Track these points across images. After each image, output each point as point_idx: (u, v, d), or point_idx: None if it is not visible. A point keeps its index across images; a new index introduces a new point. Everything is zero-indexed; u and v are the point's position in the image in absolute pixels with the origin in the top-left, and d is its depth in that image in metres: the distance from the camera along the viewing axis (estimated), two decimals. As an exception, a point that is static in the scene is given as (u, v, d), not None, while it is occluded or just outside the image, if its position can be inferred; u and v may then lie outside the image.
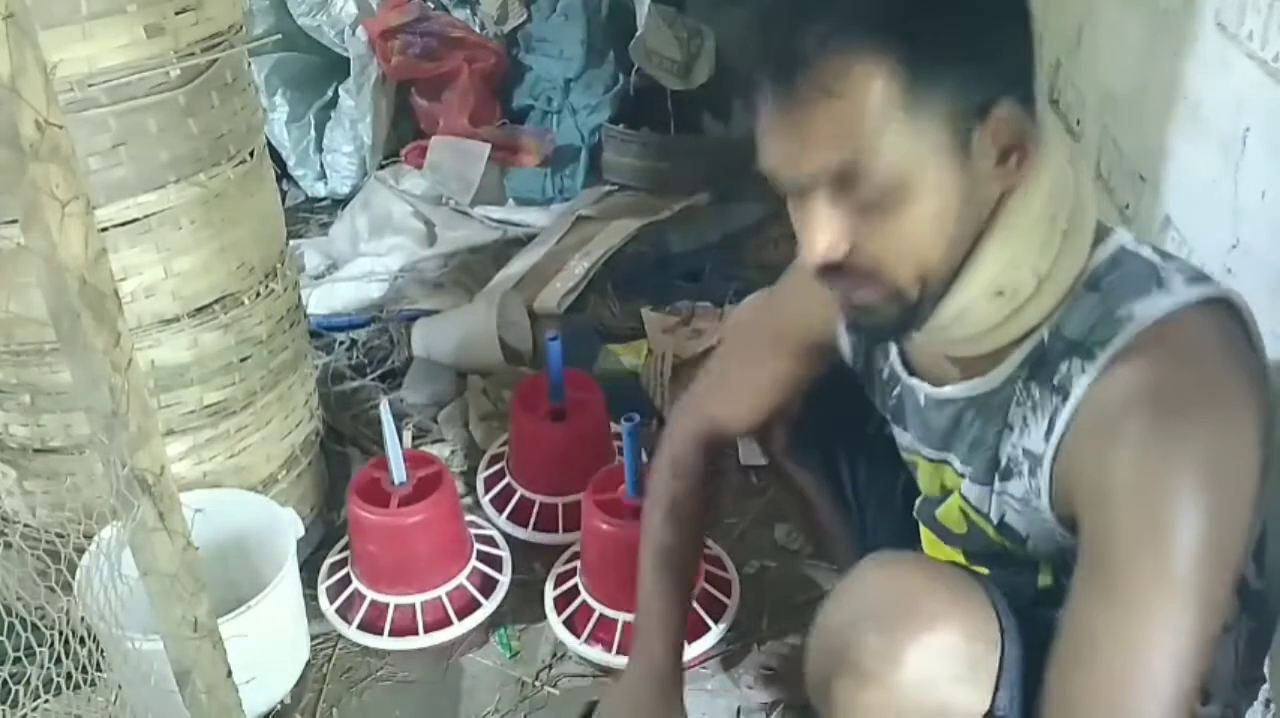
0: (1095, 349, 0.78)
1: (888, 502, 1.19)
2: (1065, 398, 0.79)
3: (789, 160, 0.76)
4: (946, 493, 0.98)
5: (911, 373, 0.96)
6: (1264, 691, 0.97)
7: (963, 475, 0.93)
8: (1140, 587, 0.72)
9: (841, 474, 1.25)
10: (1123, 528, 0.74)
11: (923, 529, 1.07)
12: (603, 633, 1.44)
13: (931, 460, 0.98)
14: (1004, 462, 0.87)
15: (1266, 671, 0.95)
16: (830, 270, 0.79)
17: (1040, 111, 0.79)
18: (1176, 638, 0.72)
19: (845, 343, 1.06)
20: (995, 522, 0.91)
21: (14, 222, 0.76)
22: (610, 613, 1.43)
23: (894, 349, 0.98)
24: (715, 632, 1.44)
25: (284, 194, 2.67)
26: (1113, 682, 0.72)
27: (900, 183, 0.74)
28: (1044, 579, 0.95)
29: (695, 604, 1.43)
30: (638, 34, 2.69)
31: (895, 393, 1.01)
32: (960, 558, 1.02)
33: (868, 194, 0.75)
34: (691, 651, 1.42)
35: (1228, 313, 0.79)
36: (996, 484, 0.89)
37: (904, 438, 1.02)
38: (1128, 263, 0.81)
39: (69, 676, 1.06)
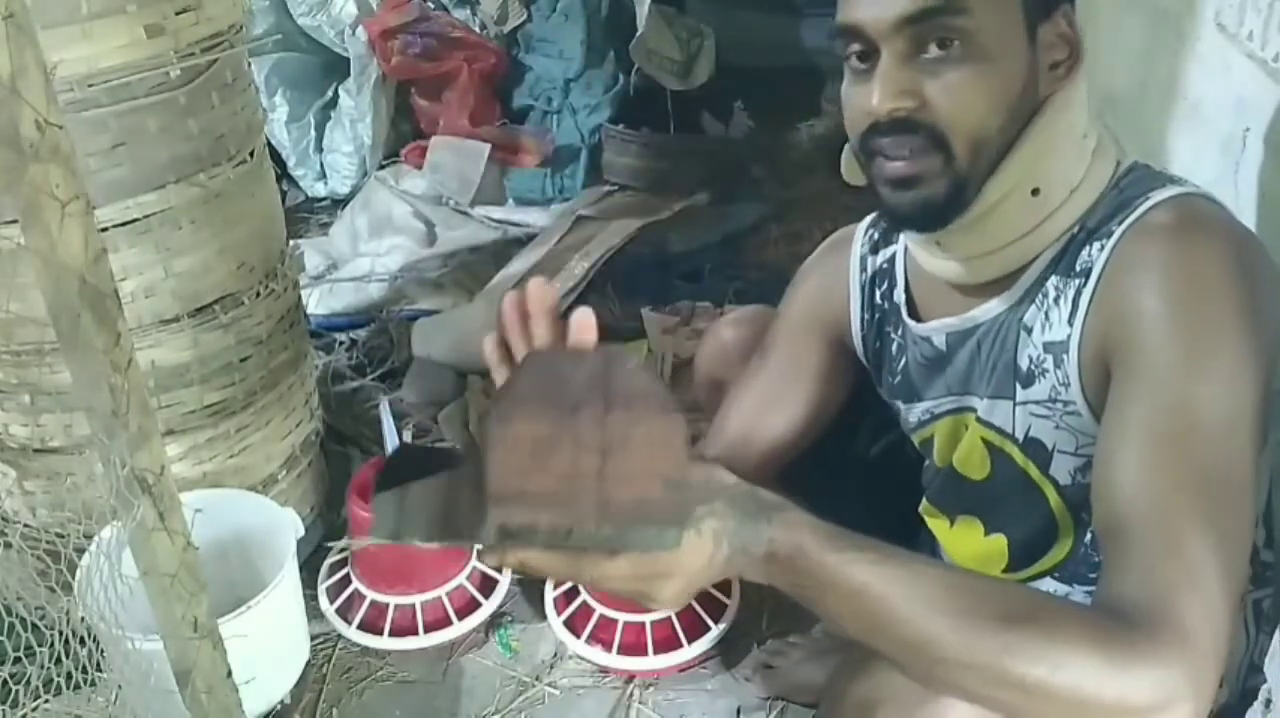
0: (1114, 228, 0.82)
1: (877, 525, 1.18)
2: (1087, 277, 0.83)
3: (885, 2, 0.79)
4: (960, 441, 0.99)
5: (925, 322, 0.98)
6: (1264, 690, 0.98)
7: (975, 409, 0.95)
8: (1176, 366, 0.74)
9: (829, 498, 1.24)
10: (1155, 335, 0.76)
11: (935, 523, 1.07)
12: (603, 633, 1.44)
13: (952, 412, 0.99)
14: (1025, 368, 0.89)
15: (1267, 671, 0.95)
16: (894, 129, 0.82)
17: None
18: (1221, 384, 0.73)
19: (856, 329, 1.07)
20: (1020, 439, 0.91)
21: (14, 222, 0.75)
22: (610, 613, 1.43)
23: (904, 310, 1.00)
24: (715, 632, 1.44)
25: (284, 194, 2.67)
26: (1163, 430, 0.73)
27: (979, 40, 0.79)
28: (1061, 548, 0.95)
29: (695, 604, 1.44)
30: (638, 34, 2.69)
31: (903, 365, 1.01)
32: (978, 533, 1.02)
33: (948, 42, 0.79)
34: (691, 651, 1.42)
35: (1241, 224, 0.82)
36: (1019, 394, 0.90)
37: (915, 411, 1.02)
38: (1146, 171, 0.87)
39: (69, 676, 1.06)
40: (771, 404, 1.12)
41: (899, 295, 1.01)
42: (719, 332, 1.27)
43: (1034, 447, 0.91)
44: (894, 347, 1.03)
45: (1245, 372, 0.74)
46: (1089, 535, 0.92)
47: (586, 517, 0.62)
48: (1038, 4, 0.81)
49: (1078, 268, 0.84)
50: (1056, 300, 0.85)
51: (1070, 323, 0.84)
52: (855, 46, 0.83)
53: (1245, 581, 0.72)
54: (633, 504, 0.62)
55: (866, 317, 1.06)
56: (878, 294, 1.05)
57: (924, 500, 1.08)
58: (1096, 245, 0.83)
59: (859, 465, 1.21)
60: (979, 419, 0.95)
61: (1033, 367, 0.88)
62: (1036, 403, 0.88)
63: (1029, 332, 0.87)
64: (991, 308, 0.91)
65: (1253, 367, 0.74)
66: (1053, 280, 0.86)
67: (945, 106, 0.81)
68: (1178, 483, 0.71)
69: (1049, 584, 0.97)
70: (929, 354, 0.98)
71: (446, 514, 0.67)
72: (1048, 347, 0.86)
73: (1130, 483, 0.73)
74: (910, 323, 1.00)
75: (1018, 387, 0.90)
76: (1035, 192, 0.84)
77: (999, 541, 1.00)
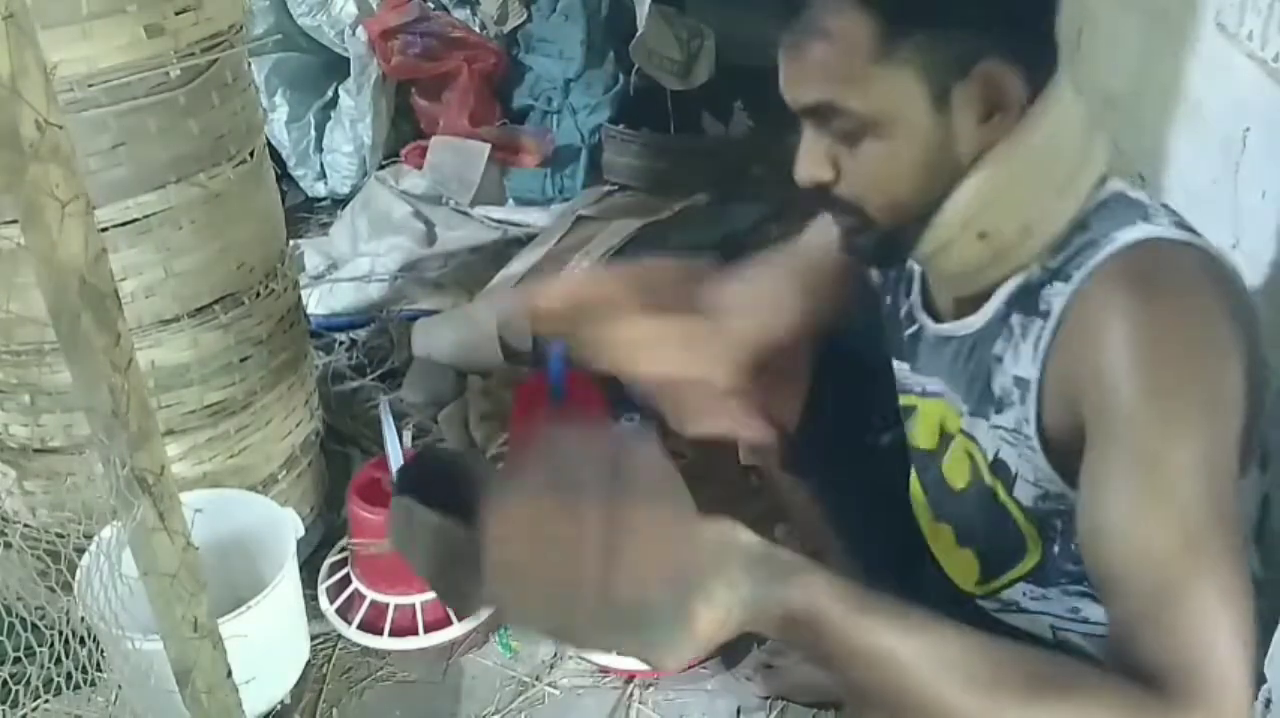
0: (1073, 271, 0.81)
1: (883, 515, 1.18)
2: (1047, 317, 0.82)
3: (787, 89, 0.85)
4: (947, 440, 0.99)
5: (926, 309, 0.99)
6: (1264, 690, 0.97)
7: (960, 413, 0.95)
8: (1149, 426, 0.74)
9: (836, 486, 1.24)
10: (1124, 401, 0.75)
11: (920, 513, 1.07)
12: (603, 633, 1.44)
13: (932, 395, 0.99)
14: (997, 394, 0.89)
15: (1267, 672, 0.95)
16: (817, 194, 0.87)
17: (1055, 70, 0.82)
18: (1194, 458, 0.72)
19: (878, 278, 1.08)
20: (990, 458, 0.92)
21: (14, 222, 0.75)
22: (610, 613, 1.43)
23: (917, 285, 1.01)
24: (715, 632, 1.44)
25: (284, 194, 2.66)
26: (1138, 500, 0.73)
27: (873, 124, 0.81)
28: (1030, 559, 0.95)
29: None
30: (638, 34, 2.69)
31: (912, 329, 1.02)
32: (950, 541, 1.02)
33: (844, 129, 0.82)
34: (691, 651, 1.42)
35: (1212, 260, 0.80)
36: (991, 418, 0.90)
37: (909, 378, 1.03)
38: (1118, 203, 0.84)
39: (69, 676, 1.06)
40: (772, 291, 1.10)
41: (914, 264, 1.01)
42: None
43: (1001, 468, 0.91)
44: (903, 310, 1.04)
45: (1218, 417, 0.74)
46: (1056, 548, 0.92)
47: (584, 613, 0.60)
48: (943, 69, 0.79)
49: (1039, 308, 0.83)
50: (1023, 337, 0.85)
51: (1034, 363, 0.84)
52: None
53: (1253, 620, 0.71)
54: (634, 603, 0.60)
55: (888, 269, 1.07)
56: None
57: (917, 485, 1.08)
58: (1056, 287, 0.82)
59: (867, 455, 1.21)
60: (963, 431, 0.96)
61: (1003, 396, 0.88)
62: (1005, 429, 0.89)
63: (1000, 361, 0.88)
64: (965, 325, 0.92)
65: (1225, 411, 0.74)
66: (1016, 317, 0.86)
67: (856, 179, 0.84)
68: (1174, 543, 0.71)
69: (1023, 588, 0.98)
70: (926, 337, 0.99)
71: (445, 564, 0.66)
72: (1016, 381, 0.86)
73: (1125, 545, 0.73)
74: (918, 299, 1.00)
75: (991, 410, 0.90)
76: (982, 235, 0.84)
77: (968, 553, 1.01)
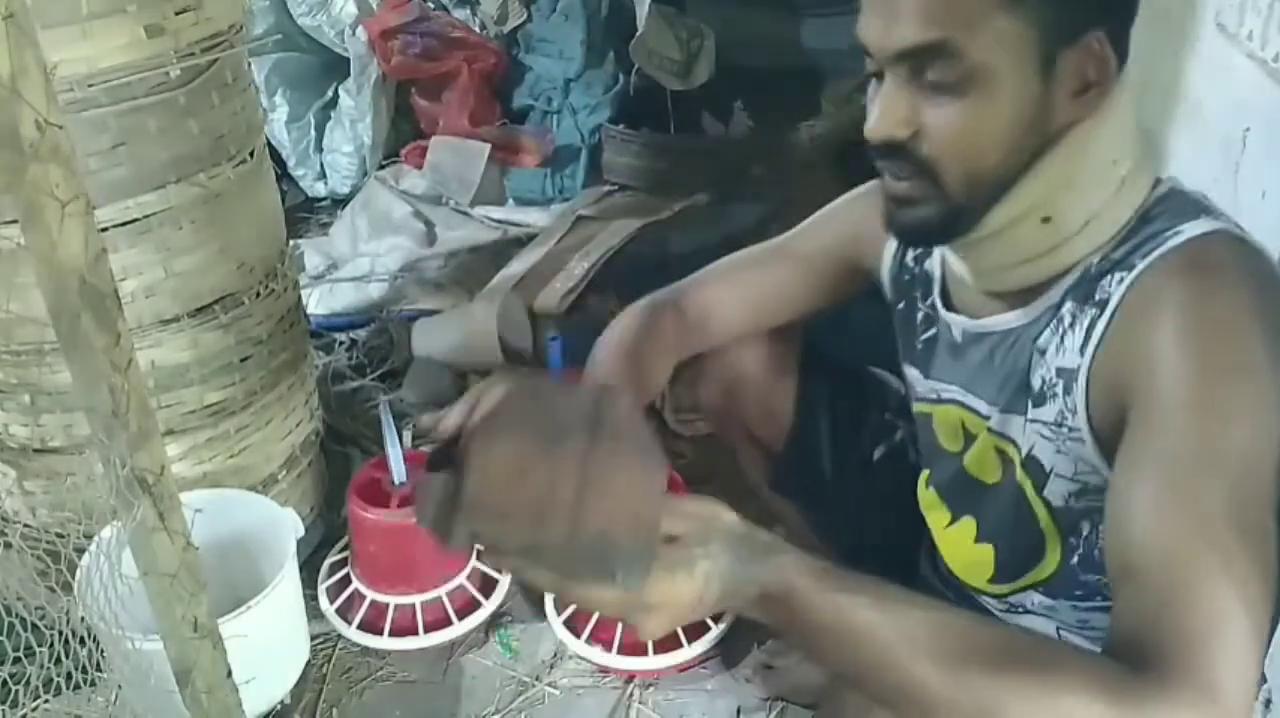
0: (1137, 261, 0.80)
1: (875, 530, 1.18)
2: (1104, 308, 0.81)
3: (885, 29, 0.78)
4: (971, 440, 0.98)
5: (951, 309, 0.97)
6: (1264, 690, 0.98)
7: (987, 417, 0.94)
8: (1192, 414, 0.72)
9: (824, 505, 1.24)
10: (1170, 387, 0.73)
11: (934, 517, 1.06)
12: (603, 633, 1.44)
13: (952, 402, 0.98)
14: (1037, 387, 0.87)
15: (1267, 671, 0.95)
16: (890, 152, 0.81)
17: (1126, 61, 0.81)
18: (1232, 443, 0.71)
19: (887, 276, 1.07)
20: (1024, 455, 0.91)
21: (14, 222, 0.75)
22: (610, 613, 1.43)
23: (937, 286, 0.99)
24: (715, 632, 1.44)
25: (284, 194, 2.66)
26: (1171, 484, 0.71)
27: (980, 75, 0.76)
28: (1048, 565, 0.95)
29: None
30: (638, 34, 2.69)
31: (928, 335, 1.01)
32: (971, 537, 1.01)
33: (945, 78, 0.77)
34: (691, 651, 1.42)
35: (1265, 258, 0.80)
36: (1030, 412, 0.89)
37: (923, 384, 1.02)
38: (1181, 198, 0.84)
39: (69, 676, 1.06)
40: (728, 288, 1.12)
41: (933, 267, 1.00)
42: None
43: (1033, 465, 0.90)
44: (919, 315, 1.02)
45: (1266, 415, 0.72)
46: (1075, 558, 0.92)
47: (552, 539, 0.63)
48: (1059, 29, 0.76)
49: (1095, 298, 0.82)
50: (1071, 326, 0.84)
51: (1082, 352, 0.82)
52: (869, 61, 0.82)
53: (1267, 625, 0.69)
54: (597, 537, 0.63)
55: (895, 273, 1.05)
56: (910, 256, 1.04)
57: (929, 488, 1.07)
58: (1116, 277, 0.81)
59: (861, 469, 1.21)
60: (990, 430, 0.94)
61: (1044, 388, 0.87)
62: (1044, 423, 0.88)
63: (1042, 353, 0.86)
64: (1008, 319, 0.90)
65: (1274, 410, 0.72)
66: (1069, 306, 0.84)
67: (939, 138, 0.79)
68: (1196, 528, 0.69)
69: (1036, 597, 0.97)
70: (948, 340, 0.98)
71: (441, 508, 0.69)
72: (1060, 372, 0.85)
73: (1147, 527, 0.71)
74: (938, 301, 0.99)
75: (1029, 404, 0.89)
76: (1046, 219, 0.82)
77: (987, 550, 1.00)
